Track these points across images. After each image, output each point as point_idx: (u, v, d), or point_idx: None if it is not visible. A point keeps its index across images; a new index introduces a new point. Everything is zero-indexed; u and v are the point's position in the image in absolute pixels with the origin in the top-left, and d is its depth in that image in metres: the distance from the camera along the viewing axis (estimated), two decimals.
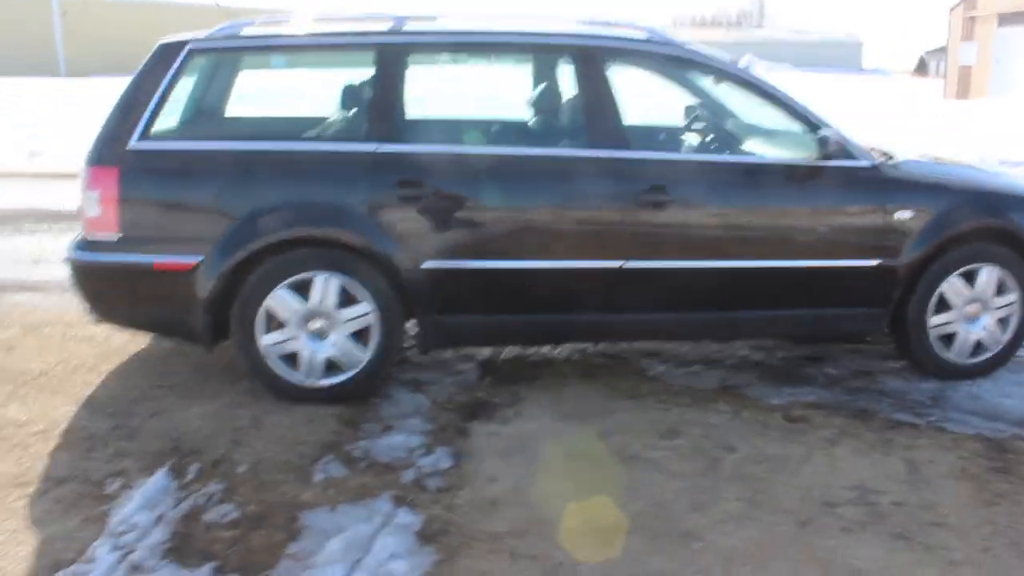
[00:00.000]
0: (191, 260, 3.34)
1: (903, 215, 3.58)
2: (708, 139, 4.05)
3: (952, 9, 27.98)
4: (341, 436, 3.27)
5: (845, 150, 3.53)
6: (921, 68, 54.09)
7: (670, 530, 2.70)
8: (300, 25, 3.61)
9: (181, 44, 3.43)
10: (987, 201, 3.69)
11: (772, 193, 3.54)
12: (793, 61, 40.23)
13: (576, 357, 4.11)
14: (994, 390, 3.75)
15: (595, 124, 3.45)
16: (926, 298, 3.68)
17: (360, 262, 3.36)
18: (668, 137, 4.17)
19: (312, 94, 4.78)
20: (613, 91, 3.47)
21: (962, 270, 3.67)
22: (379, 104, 3.40)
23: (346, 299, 3.40)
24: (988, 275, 3.69)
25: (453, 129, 4.19)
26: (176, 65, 3.39)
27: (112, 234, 3.35)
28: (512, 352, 4.11)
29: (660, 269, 3.49)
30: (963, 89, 26.60)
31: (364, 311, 3.41)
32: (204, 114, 3.88)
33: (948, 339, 3.76)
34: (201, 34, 3.50)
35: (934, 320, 3.71)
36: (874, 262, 3.60)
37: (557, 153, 3.52)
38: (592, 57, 3.49)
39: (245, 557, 2.52)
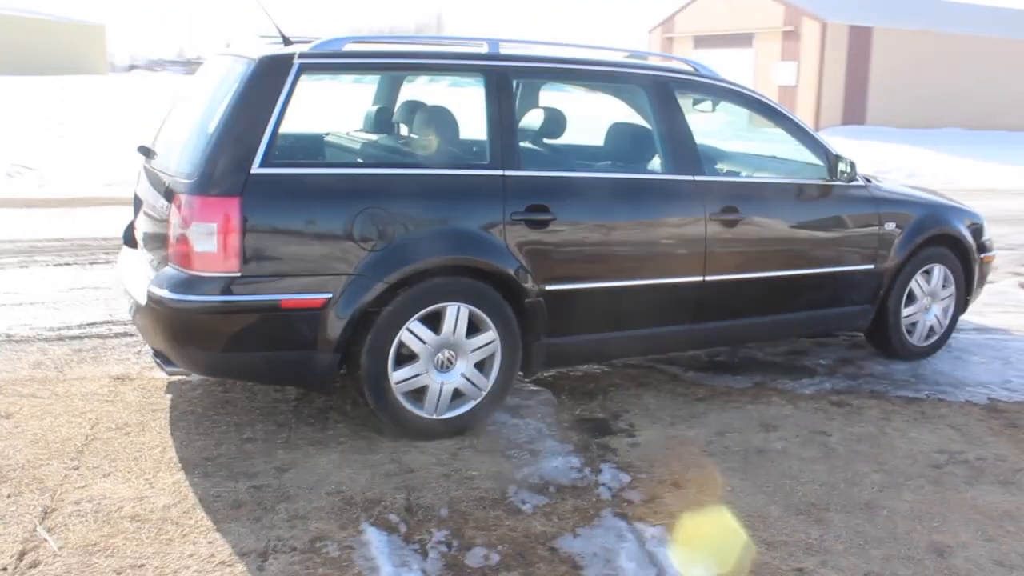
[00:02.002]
0: (321, 296, 3.08)
1: (890, 226, 4.32)
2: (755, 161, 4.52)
3: (651, 30, 31.63)
4: (499, 466, 3.21)
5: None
6: None
7: (854, 503, 3.08)
8: (405, 43, 3.44)
9: (289, 58, 3.14)
10: (938, 212, 4.57)
11: (815, 210, 4.09)
12: None
13: (609, 370, 4.34)
14: (946, 366, 4.64)
15: (680, 150, 3.74)
16: (900, 294, 4.46)
17: (490, 289, 3.32)
18: (724, 161, 4.53)
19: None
20: (687, 119, 3.80)
21: (923, 269, 4.50)
22: (499, 128, 3.38)
23: (470, 328, 3.34)
24: (939, 272, 4.57)
25: (568, 153, 4.20)
26: (290, 81, 3.09)
27: (231, 271, 2.97)
28: (552, 371, 4.23)
29: (733, 280, 3.87)
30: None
31: (491, 339, 3.37)
32: (315, 135, 3.50)
33: (908, 328, 4.58)
34: (303, 48, 3.22)
35: (905, 312, 4.51)
36: (871, 266, 4.30)
37: (665, 177, 3.73)
38: (668, 87, 3.78)
39: None
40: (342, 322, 3.10)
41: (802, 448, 3.53)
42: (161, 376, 3.92)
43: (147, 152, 3.65)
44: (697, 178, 3.77)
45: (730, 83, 4.06)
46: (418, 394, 3.32)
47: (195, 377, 3.76)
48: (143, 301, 3.13)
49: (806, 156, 4.23)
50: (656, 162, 3.79)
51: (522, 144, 3.53)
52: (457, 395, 3.38)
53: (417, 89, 4.54)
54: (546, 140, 4.01)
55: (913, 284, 4.49)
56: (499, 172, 3.36)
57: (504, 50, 3.55)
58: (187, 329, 3.03)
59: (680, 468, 3.28)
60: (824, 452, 3.50)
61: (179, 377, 3.73)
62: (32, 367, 4.02)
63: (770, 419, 3.80)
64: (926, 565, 2.72)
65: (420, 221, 3.21)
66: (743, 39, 27.00)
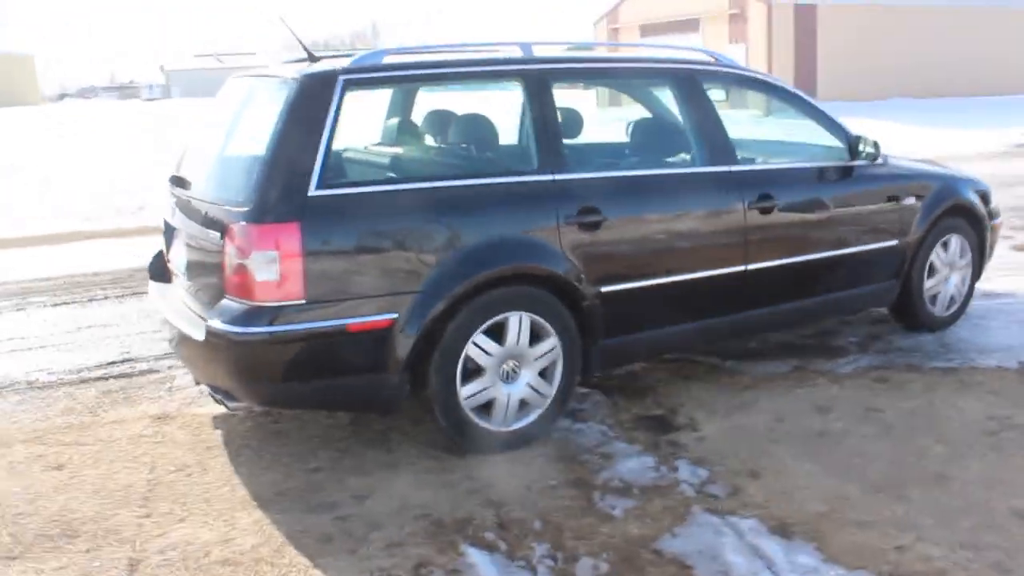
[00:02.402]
0: (387, 317, 3.02)
1: (909, 201, 4.39)
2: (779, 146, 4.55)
3: (596, 22, 32.06)
4: (576, 473, 3.19)
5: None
6: None
7: (926, 477, 3.13)
8: (439, 52, 3.40)
9: (333, 75, 3.07)
10: (950, 184, 4.65)
11: (843, 191, 4.14)
12: None
13: (650, 366, 4.33)
14: (968, 333, 4.73)
15: (715, 141, 3.75)
16: (923, 267, 4.54)
17: (549, 296, 3.30)
18: (749, 149, 4.52)
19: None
20: (717, 110, 3.82)
21: (941, 241, 4.59)
22: (544, 132, 3.36)
23: (531, 336, 3.31)
24: (956, 243, 4.66)
25: (607, 153, 4.17)
26: (336, 99, 3.02)
27: (296, 299, 2.90)
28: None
29: (773, 267, 3.90)
30: (615, 96, 30.75)
31: (552, 345, 3.34)
32: (360, 151, 3.42)
33: (931, 299, 4.66)
34: (344, 63, 3.15)
35: (927, 284, 4.59)
36: (896, 242, 4.37)
37: (704, 170, 3.74)
38: (696, 80, 3.79)
39: None
40: (410, 341, 3.05)
41: (860, 426, 3.57)
42: (202, 412, 3.82)
43: (180, 181, 3.54)
44: (733, 168, 3.79)
45: (749, 71, 4.10)
46: (485, 407, 3.28)
47: (238, 410, 3.67)
48: (199, 337, 3.04)
49: (826, 139, 4.27)
50: (693, 155, 3.79)
51: (571, 145, 3.52)
52: (523, 405, 3.35)
53: (430, 97, 4.44)
54: (578, 141, 4.00)
55: (933, 256, 4.57)
56: (549, 176, 3.33)
57: (537, 53, 3.52)
58: (253, 362, 2.95)
59: (751, 458, 3.29)
60: (883, 429, 3.55)
61: (225, 410, 3.63)
62: (64, 413, 3.89)
63: (821, 401, 3.84)
64: (1013, 532, 2.77)
65: (478, 231, 3.16)
66: (690, 24, 27.37)
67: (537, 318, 3.29)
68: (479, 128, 3.56)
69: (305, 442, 3.48)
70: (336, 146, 3.11)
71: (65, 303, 5.84)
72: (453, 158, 3.61)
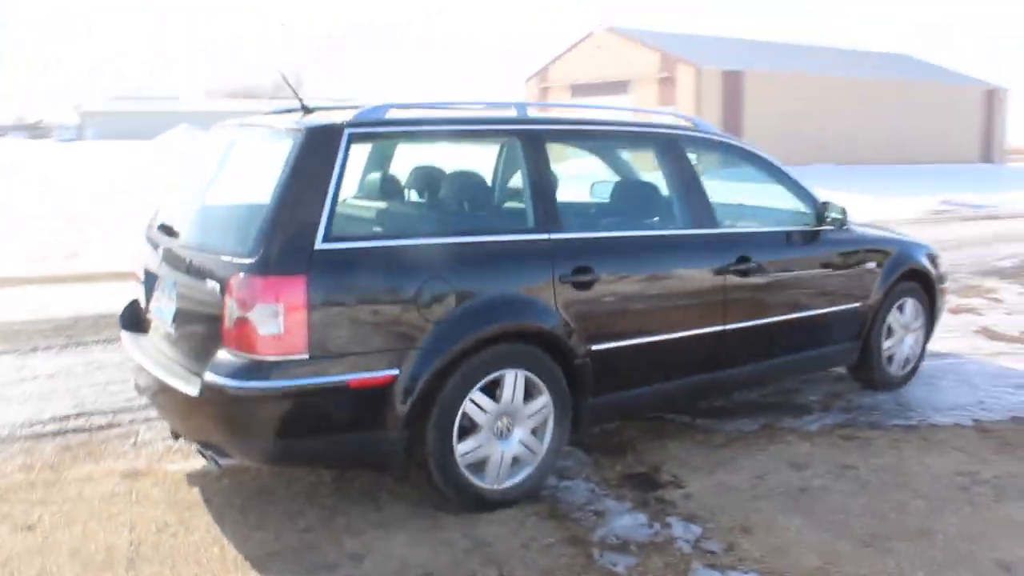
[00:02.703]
0: (389, 373, 2.99)
1: (871, 265, 4.61)
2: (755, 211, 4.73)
3: (528, 79, 32.97)
4: (571, 530, 3.18)
5: None
6: None
7: (909, 531, 3.23)
8: (439, 109, 3.44)
9: (339, 128, 3.06)
10: (907, 250, 4.90)
11: (814, 254, 4.32)
12: None
13: (625, 423, 4.37)
14: (922, 392, 4.94)
15: (698, 204, 3.88)
16: (881, 329, 4.74)
17: (543, 353, 3.32)
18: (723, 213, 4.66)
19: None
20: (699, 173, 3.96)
21: (898, 304, 4.81)
22: (540, 192, 3.41)
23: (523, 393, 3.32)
24: (911, 305, 4.89)
25: (596, 213, 4.20)
26: (342, 152, 3.02)
27: (299, 354, 2.84)
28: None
29: (750, 327, 4.01)
30: (559, 151, 31.67)
31: (545, 403, 3.36)
32: (362, 206, 3.38)
33: (888, 359, 4.86)
34: (346, 116, 3.15)
35: (885, 344, 4.79)
36: (858, 304, 4.56)
37: (690, 232, 3.84)
38: (679, 144, 3.93)
39: None
40: (410, 398, 3.01)
41: (839, 483, 3.67)
42: (175, 468, 3.68)
43: (167, 230, 3.46)
44: (714, 231, 3.92)
45: (727, 137, 4.28)
46: (478, 465, 3.25)
47: (211, 467, 3.55)
48: (192, 391, 2.93)
49: (795, 204, 4.46)
50: (679, 217, 3.90)
51: (565, 204, 3.59)
52: (515, 462, 3.34)
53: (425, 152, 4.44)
54: (570, 200, 4.07)
55: (891, 318, 4.79)
56: (545, 235, 3.39)
57: (531, 113, 3.60)
58: (252, 418, 2.86)
59: (740, 514, 3.35)
60: (860, 485, 3.66)
61: (200, 467, 3.50)
62: (23, 470, 3.69)
63: (796, 458, 3.94)
64: None
65: (480, 288, 3.18)
66: (619, 86, 28.29)
67: (531, 375, 3.30)
68: (477, 185, 3.60)
69: (291, 500, 3.37)
70: (340, 199, 3.10)
71: (5, 352, 5.56)
72: (454, 215, 3.63)
